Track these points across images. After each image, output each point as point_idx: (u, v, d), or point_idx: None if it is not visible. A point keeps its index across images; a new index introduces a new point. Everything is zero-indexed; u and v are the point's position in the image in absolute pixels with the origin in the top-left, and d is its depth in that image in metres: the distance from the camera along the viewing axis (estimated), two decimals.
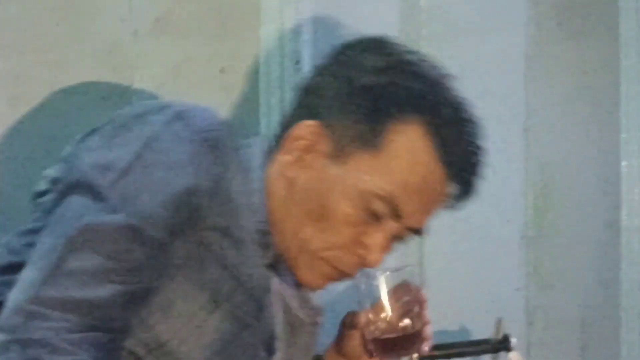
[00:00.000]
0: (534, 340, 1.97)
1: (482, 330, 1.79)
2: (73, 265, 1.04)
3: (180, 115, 1.15)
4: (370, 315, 1.27)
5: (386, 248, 1.22)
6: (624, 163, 2.00)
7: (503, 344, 1.65)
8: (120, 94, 1.65)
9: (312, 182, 1.23)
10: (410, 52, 1.26)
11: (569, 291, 2.01)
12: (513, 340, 1.64)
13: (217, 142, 1.13)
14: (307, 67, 1.73)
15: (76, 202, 1.09)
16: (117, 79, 1.67)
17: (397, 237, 1.24)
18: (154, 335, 1.12)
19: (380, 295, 1.26)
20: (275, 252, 1.23)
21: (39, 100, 1.61)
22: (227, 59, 1.73)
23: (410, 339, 1.27)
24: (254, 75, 1.74)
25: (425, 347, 1.29)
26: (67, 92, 1.63)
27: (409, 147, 1.21)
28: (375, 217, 1.21)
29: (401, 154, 1.21)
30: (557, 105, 2.02)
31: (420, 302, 1.26)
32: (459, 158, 1.23)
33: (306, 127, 1.22)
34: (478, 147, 1.25)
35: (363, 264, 1.22)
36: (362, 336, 1.28)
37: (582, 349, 2.01)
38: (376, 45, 1.27)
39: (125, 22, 1.65)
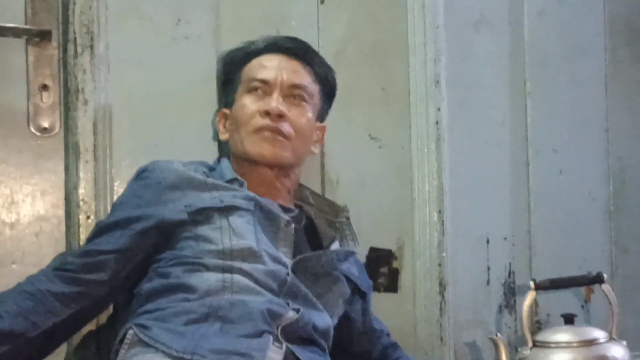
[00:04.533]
0: (615, 289, 2.11)
1: None
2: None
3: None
4: None
5: (281, 105, 1.66)
6: None
7: (598, 277, 1.96)
8: None
9: (233, 125, 1.70)
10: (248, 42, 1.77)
11: None
12: (605, 276, 1.96)
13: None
14: (444, 85, 2.02)
15: None
16: None
17: (287, 96, 1.68)
18: (214, 249, 1.49)
19: None
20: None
21: None
22: (386, 80, 2.00)
23: None
24: (406, 92, 2.02)
25: None
26: None
27: (249, 65, 1.74)
28: (259, 92, 1.68)
29: (248, 68, 1.72)
30: (629, 112, 2.31)
31: None
32: (273, 42, 1.74)
33: (218, 115, 1.77)
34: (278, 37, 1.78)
35: (270, 114, 1.64)
36: None
37: None
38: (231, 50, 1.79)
39: None
